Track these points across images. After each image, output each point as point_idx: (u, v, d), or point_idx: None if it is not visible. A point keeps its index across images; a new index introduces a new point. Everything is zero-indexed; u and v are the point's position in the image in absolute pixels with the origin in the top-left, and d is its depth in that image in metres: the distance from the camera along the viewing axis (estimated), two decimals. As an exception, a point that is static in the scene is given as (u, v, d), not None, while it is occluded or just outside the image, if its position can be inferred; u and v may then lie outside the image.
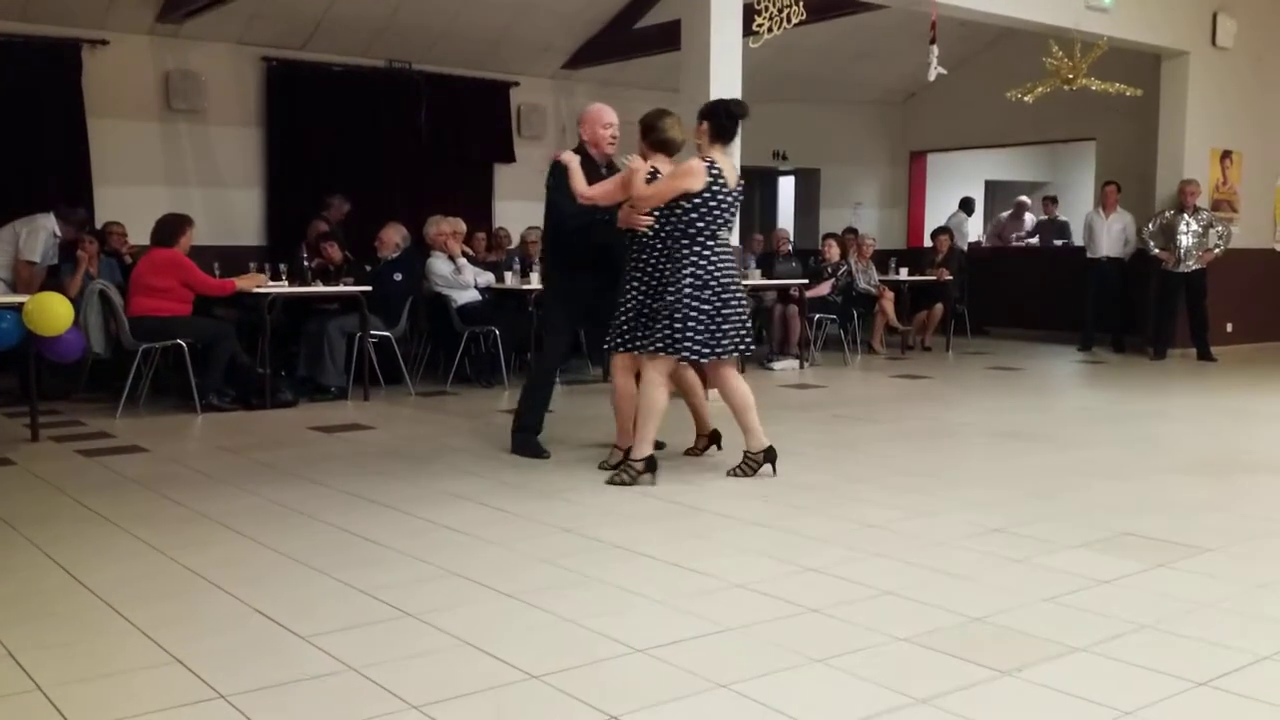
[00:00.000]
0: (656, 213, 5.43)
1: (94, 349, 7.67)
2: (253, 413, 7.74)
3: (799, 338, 10.78)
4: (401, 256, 8.96)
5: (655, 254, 5.55)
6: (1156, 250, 11.58)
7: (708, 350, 5.41)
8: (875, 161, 15.70)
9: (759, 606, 3.63)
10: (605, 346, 5.81)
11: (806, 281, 11.07)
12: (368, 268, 9.16)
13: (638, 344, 5.57)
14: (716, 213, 5.41)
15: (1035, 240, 15.14)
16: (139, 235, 8.71)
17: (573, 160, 5.75)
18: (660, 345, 5.39)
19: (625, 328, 5.62)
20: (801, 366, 10.63)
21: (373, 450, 6.45)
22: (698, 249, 5.40)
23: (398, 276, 8.78)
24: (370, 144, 11.57)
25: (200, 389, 7.67)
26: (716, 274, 5.42)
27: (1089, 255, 12.19)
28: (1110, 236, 12.03)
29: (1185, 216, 11.46)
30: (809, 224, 15.56)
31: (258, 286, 8.09)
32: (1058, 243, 14.69)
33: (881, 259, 12.43)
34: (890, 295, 12.03)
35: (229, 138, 11.01)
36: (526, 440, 6.16)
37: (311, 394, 8.35)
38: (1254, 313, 12.64)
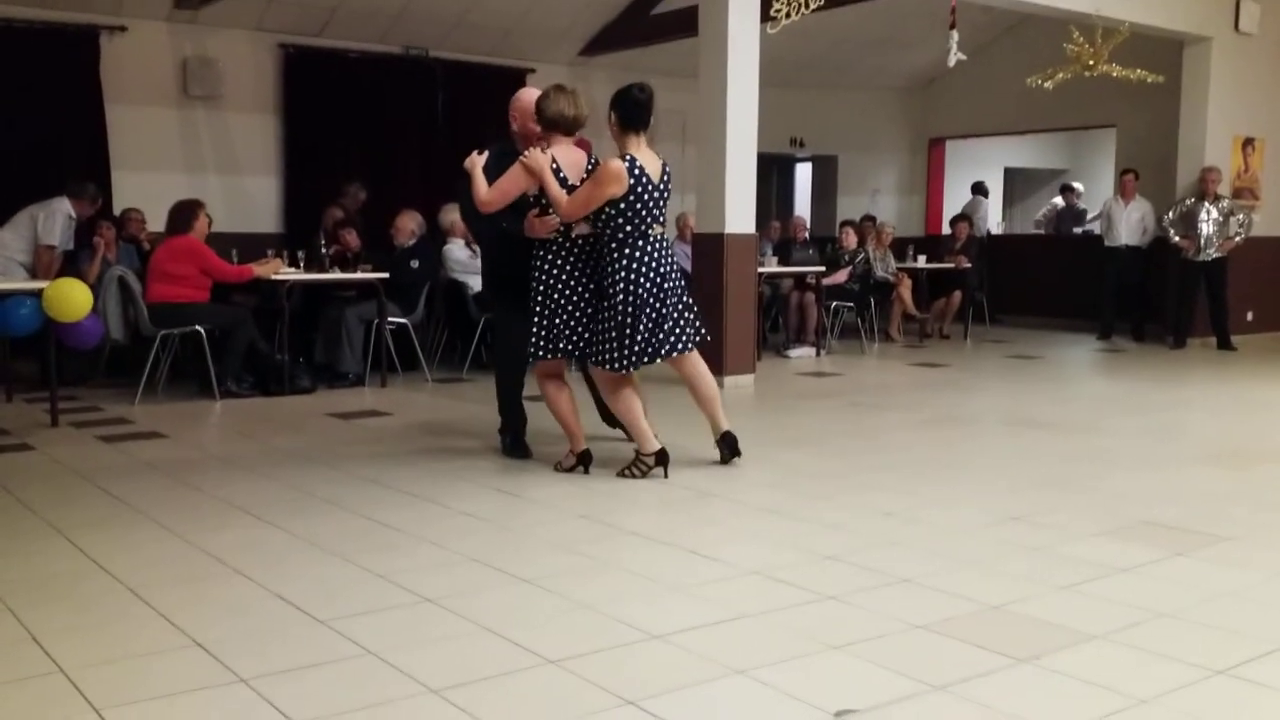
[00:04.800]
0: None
1: (112, 335, 7.73)
2: (271, 399, 7.77)
3: (815, 325, 10.76)
4: (418, 244, 8.99)
5: (573, 256, 5.22)
6: (1177, 238, 11.52)
7: (649, 355, 5.13)
8: (893, 148, 15.64)
9: (776, 593, 3.63)
10: (529, 359, 5.36)
11: (823, 269, 11.04)
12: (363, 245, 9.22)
13: (569, 352, 5.27)
14: (644, 214, 5.09)
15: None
16: (157, 222, 8.75)
17: (476, 164, 5.22)
18: (607, 359, 5.15)
19: (544, 334, 5.24)
20: (818, 354, 10.61)
21: (390, 436, 6.47)
22: (628, 251, 5.08)
23: (415, 264, 8.80)
24: (387, 131, 11.57)
25: (218, 375, 7.71)
26: (651, 274, 5.10)
27: (1107, 244, 12.11)
28: (1129, 225, 11.95)
29: (1206, 204, 11.39)
30: (826, 211, 15.51)
31: (275, 273, 8.11)
32: (1076, 231, 14.62)
33: (899, 246, 12.39)
34: (908, 283, 11.99)
35: (246, 124, 11.03)
36: (512, 444, 5.84)
37: (329, 381, 8.37)
38: (1275, 301, 12.55)
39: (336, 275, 8.63)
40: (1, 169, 9.51)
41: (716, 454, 5.57)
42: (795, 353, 10.58)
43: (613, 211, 5.05)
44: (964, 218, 12.97)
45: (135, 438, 6.37)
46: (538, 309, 5.26)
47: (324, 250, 8.91)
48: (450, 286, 9.19)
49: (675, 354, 5.25)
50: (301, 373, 8.15)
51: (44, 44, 9.81)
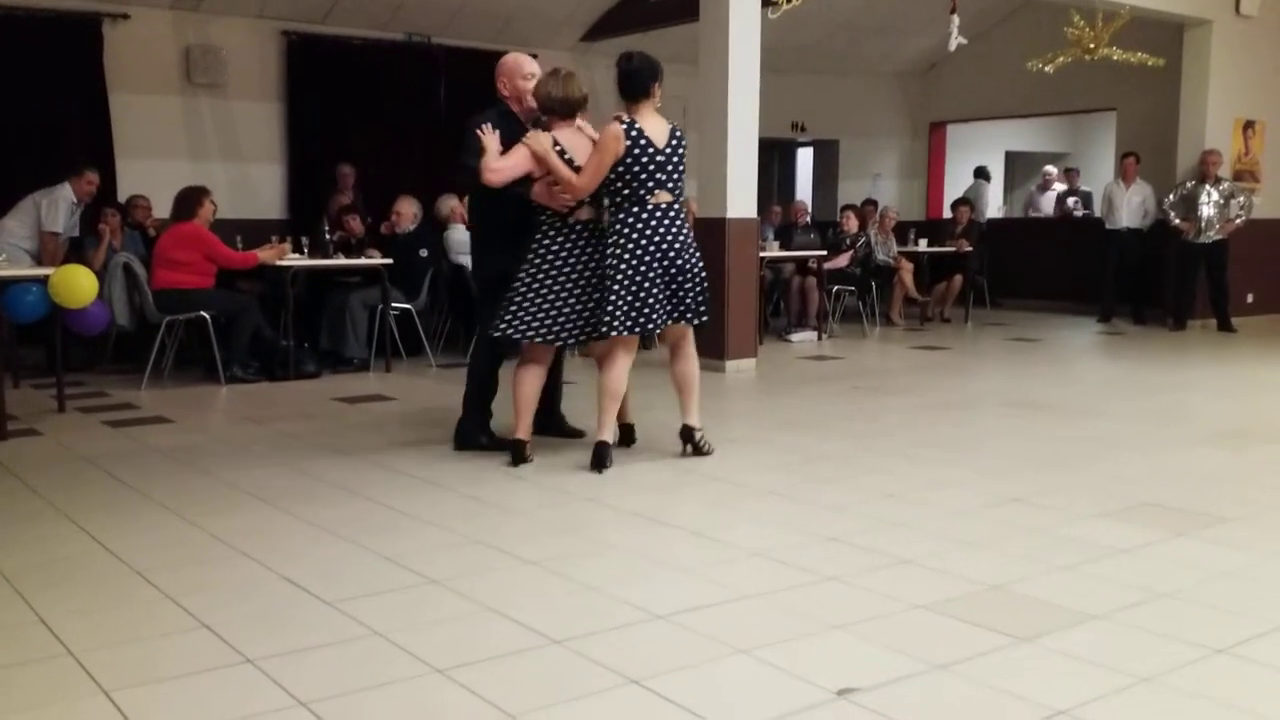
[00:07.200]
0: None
1: (118, 321, 7.74)
2: (276, 384, 7.80)
3: (817, 309, 10.77)
4: (423, 231, 9.02)
5: (572, 241, 5.14)
6: (1177, 221, 11.51)
7: (630, 324, 5.02)
8: (894, 133, 15.61)
9: (778, 574, 3.65)
10: (502, 334, 5.18)
11: (825, 253, 11.04)
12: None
13: (558, 337, 5.16)
14: (643, 176, 5.01)
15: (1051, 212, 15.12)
16: (162, 209, 8.76)
17: (491, 139, 5.11)
18: (597, 326, 5.08)
19: (526, 316, 5.11)
20: (819, 338, 10.62)
21: (395, 421, 6.50)
22: (622, 216, 5.05)
23: (423, 253, 8.84)
24: (389, 118, 11.55)
25: (224, 361, 7.73)
26: (643, 242, 5.01)
27: (1108, 226, 12.11)
28: (1130, 208, 11.94)
29: (1207, 187, 11.38)
30: (827, 195, 15.50)
31: (280, 259, 8.12)
32: (1077, 214, 14.62)
33: (900, 230, 12.39)
34: (909, 266, 11.99)
35: (250, 112, 11.03)
36: (478, 434, 5.63)
37: (334, 366, 8.39)
38: (1275, 283, 12.53)
39: (341, 261, 8.65)
40: (5, 157, 9.53)
41: (725, 437, 5.59)
42: (797, 337, 10.59)
43: (611, 176, 5.03)
44: (965, 201, 12.97)
45: (142, 423, 6.39)
46: (524, 289, 5.12)
47: (328, 236, 8.92)
48: (454, 272, 9.20)
49: (659, 328, 5.13)
50: (306, 358, 8.17)
51: (46, 32, 9.79)
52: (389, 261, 8.50)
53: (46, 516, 4.38)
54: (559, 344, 5.26)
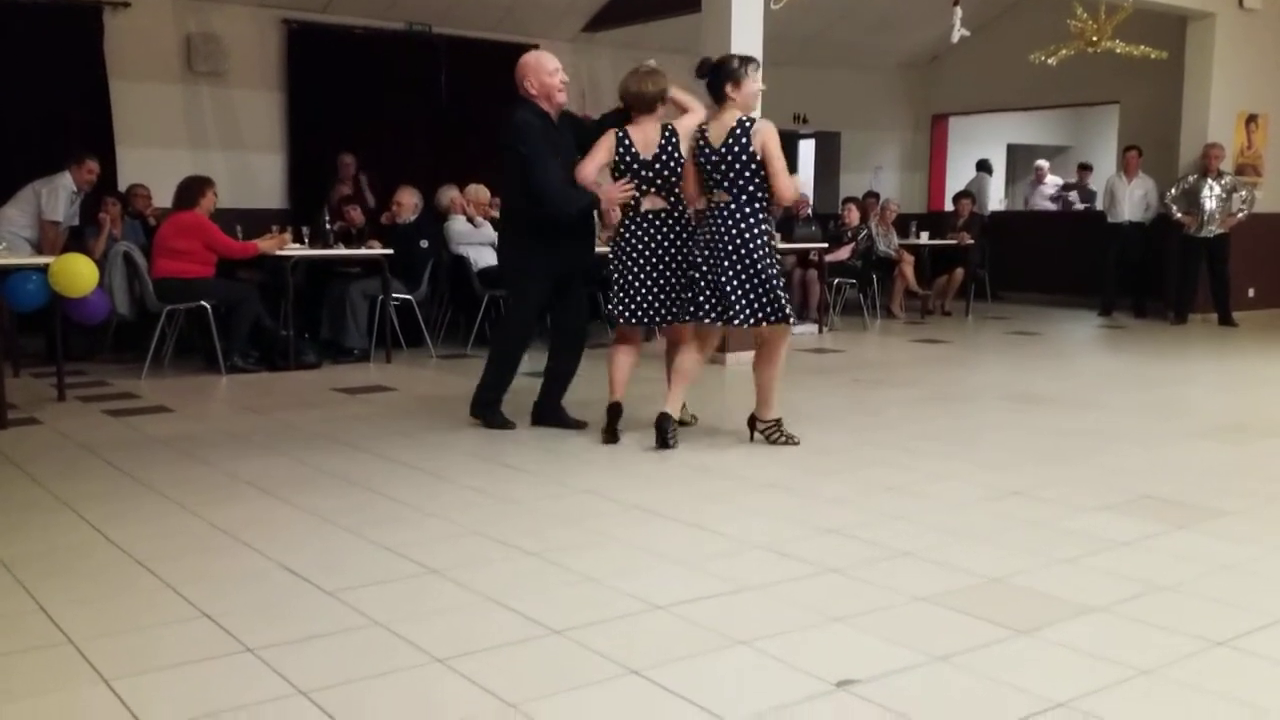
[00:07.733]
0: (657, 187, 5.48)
1: (119, 310, 7.74)
2: (276, 374, 7.80)
3: (818, 302, 10.77)
4: (424, 221, 9.01)
5: (645, 230, 5.53)
6: (1179, 214, 11.51)
7: (714, 315, 5.32)
8: (896, 125, 15.60)
9: (778, 566, 3.65)
10: (611, 322, 5.72)
11: (826, 246, 11.04)
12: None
13: (649, 319, 5.62)
14: (703, 175, 5.31)
15: (1056, 205, 15.12)
16: (161, 198, 8.75)
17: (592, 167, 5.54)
18: (683, 313, 5.47)
19: (622, 302, 5.58)
20: (820, 331, 10.62)
21: (395, 411, 6.49)
22: (696, 215, 5.47)
23: (424, 243, 8.83)
24: (390, 107, 11.55)
25: (224, 350, 7.74)
26: (700, 239, 5.35)
27: (1110, 220, 12.11)
28: (1132, 201, 11.95)
29: (1209, 180, 11.38)
30: (829, 188, 15.50)
31: (280, 248, 8.12)
32: (1079, 207, 14.63)
33: (902, 223, 12.39)
34: (910, 259, 11.99)
35: (251, 100, 11.02)
36: (489, 412, 5.88)
37: (334, 356, 8.40)
38: (1276, 277, 12.53)
39: (341, 251, 8.64)
40: (6, 146, 9.53)
41: (725, 430, 5.60)
42: (798, 329, 10.53)
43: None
44: (966, 194, 12.96)
45: (142, 412, 6.40)
46: (618, 277, 5.55)
47: (329, 226, 8.92)
48: (454, 263, 9.20)
49: (735, 325, 5.31)
50: (306, 348, 8.17)
51: (47, 20, 9.79)
52: (389, 252, 8.50)
53: (46, 505, 4.39)
54: (650, 325, 5.65)
